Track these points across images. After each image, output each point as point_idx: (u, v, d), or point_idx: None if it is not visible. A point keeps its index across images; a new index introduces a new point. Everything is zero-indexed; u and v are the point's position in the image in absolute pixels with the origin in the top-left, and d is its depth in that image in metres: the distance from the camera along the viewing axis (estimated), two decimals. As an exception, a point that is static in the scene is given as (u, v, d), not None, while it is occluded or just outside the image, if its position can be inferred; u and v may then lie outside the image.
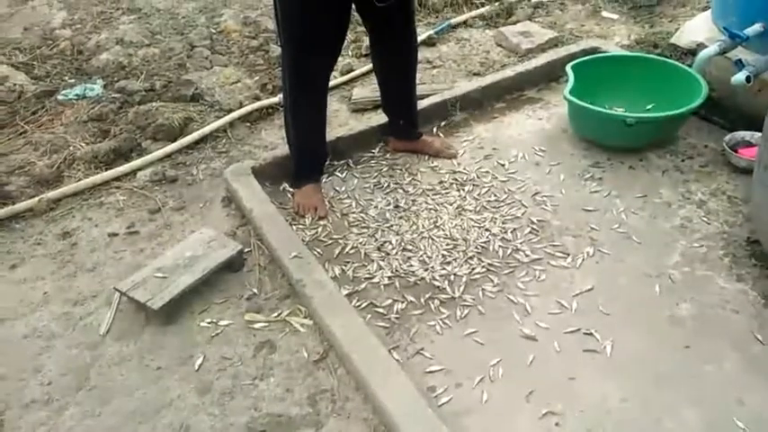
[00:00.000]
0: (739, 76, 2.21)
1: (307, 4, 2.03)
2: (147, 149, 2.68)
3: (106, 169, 2.57)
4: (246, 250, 2.16)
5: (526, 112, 2.86)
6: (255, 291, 2.02)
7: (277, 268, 2.08)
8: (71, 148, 2.68)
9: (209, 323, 1.92)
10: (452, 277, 2.01)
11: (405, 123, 2.57)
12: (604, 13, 3.70)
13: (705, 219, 2.17)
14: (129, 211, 2.40)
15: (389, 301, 1.95)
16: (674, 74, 2.59)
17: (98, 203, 2.44)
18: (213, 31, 3.60)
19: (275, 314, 1.94)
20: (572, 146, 2.59)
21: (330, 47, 2.17)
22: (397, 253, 2.12)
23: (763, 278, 1.91)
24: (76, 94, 3.03)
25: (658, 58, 2.75)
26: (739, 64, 2.29)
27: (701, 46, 2.69)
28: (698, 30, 2.89)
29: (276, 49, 3.32)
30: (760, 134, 2.27)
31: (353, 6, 2.16)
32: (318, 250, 2.16)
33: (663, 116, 2.40)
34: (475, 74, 3.19)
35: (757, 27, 2.33)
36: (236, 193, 2.35)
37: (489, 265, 2.04)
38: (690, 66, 2.57)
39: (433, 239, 2.16)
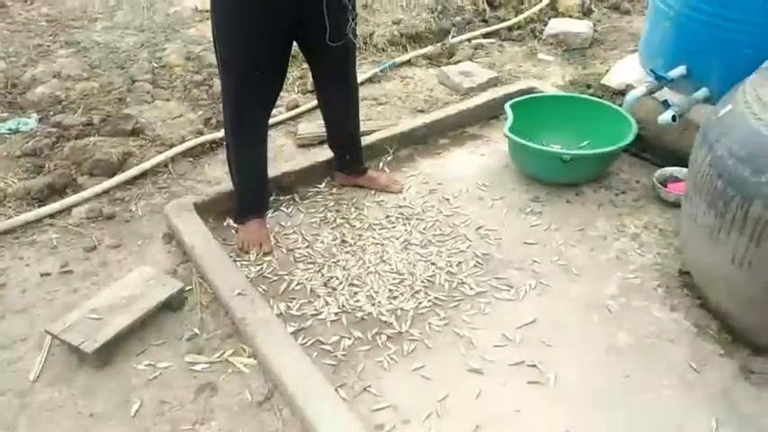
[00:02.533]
0: (665, 116, 2.34)
1: (245, 43, 2.03)
2: (84, 185, 2.60)
3: (39, 206, 2.46)
4: (188, 288, 2.10)
5: (469, 148, 2.93)
6: (197, 330, 1.96)
7: (220, 307, 2.03)
8: (2, 184, 2.56)
9: (146, 366, 1.85)
10: (399, 312, 2.01)
11: (350, 159, 2.59)
12: (540, 56, 3.87)
13: (639, 251, 2.25)
14: (62, 249, 2.30)
15: (336, 337, 1.93)
16: (606, 113, 2.72)
17: (30, 242, 2.33)
18: (155, 65, 3.55)
19: (217, 355, 1.88)
20: (513, 181, 2.67)
21: (270, 85, 2.18)
22: (343, 288, 2.11)
23: (695, 308, 1.99)
24: (9, 129, 2.91)
25: (591, 98, 2.88)
26: (665, 104, 2.42)
27: (630, 87, 2.83)
28: (626, 71, 3.06)
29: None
30: (687, 170, 2.41)
31: (296, 44, 2.18)
32: (263, 287, 2.12)
33: (597, 153, 2.51)
34: (419, 111, 3.25)
35: (681, 69, 2.48)
36: (178, 230, 2.29)
37: (435, 298, 2.06)
38: (620, 105, 2.70)
39: (379, 274, 2.16)
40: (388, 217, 2.46)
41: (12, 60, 3.57)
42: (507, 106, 2.73)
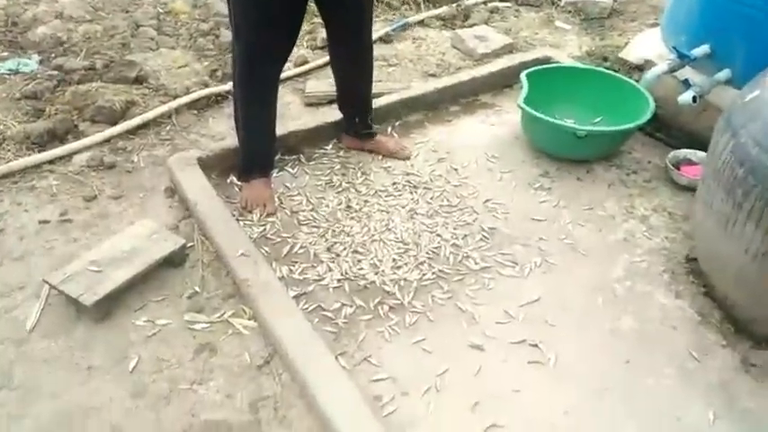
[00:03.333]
0: (686, 96, 2.28)
1: None
2: (85, 132, 2.53)
3: (39, 151, 2.41)
4: (189, 245, 2.07)
5: (480, 117, 2.87)
6: (197, 289, 1.94)
7: (221, 266, 2.01)
8: (1, 126, 2.50)
9: (145, 322, 1.83)
10: (402, 282, 1.99)
11: (360, 122, 2.52)
12: (557, 23, 3.76)
13: (647, 234, 2.22)
14: (62, 197, 2.26)
15: (338, 304, 1.91)
16: (624, 89, 2.65)
17: (29, 187, 2.29)
18: (160, 10, 3.44)
19: (217, 315, 1.87)
20: (523, 154, 2.62)
21: (283, 41, 2.11)
22: (347, 255, 2.08)
23: (700, 295, 1.97)
24: (9, 69, 2.83)
25: (609, 72, 2.80)
26: (686, 84, 2.36)
27: (649, 62, 2.77)
28: (646, 46, 2.98)
29: (228, 35, 3.20)
30: (702, 153, 2.36)
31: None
32: (266, 248, 2.09)
33: (612, 130, 2.45)
34: (431, 75, 3.17)
35: (705, 48, 2.41)
36: (180, 184, 2.25)
37: (440, 271, 2.03)
38: (638, 81, 2.64)
39: (384, 242, 2.13)
40: (395, 184, 2.41)
41: (13, -4, 3.45)
42: (523, 76, 2.65)
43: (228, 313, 1.87)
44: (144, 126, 2.60)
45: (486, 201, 2.34)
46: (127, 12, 3.40)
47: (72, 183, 2.32)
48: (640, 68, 2.96)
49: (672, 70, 2.41)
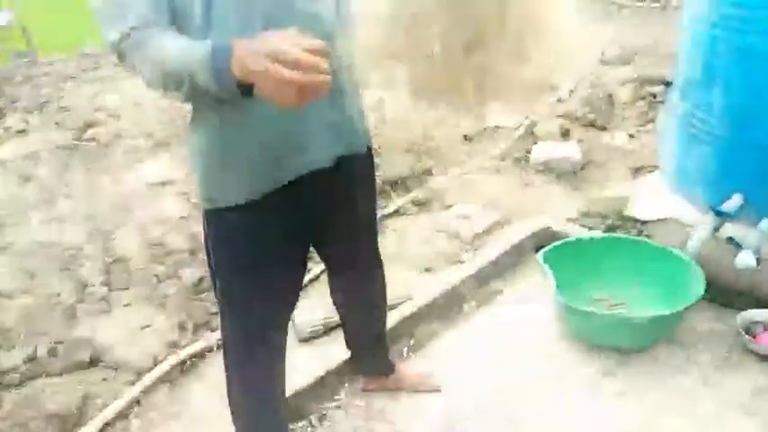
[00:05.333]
0: (747, 260, 1.97)
1: (250, 256, 1.51)
2: (33, 451, 1.96)
3: (-30, 501, 1.82)
4: None
5: (499, 309, 2.50)
6: None
7: None
8: None
9: None
10: None
11: (375, 359, 2.08)
12: (534, 185, 3.57)
13: (760, 429, 1.80)
14: None
15: None
16: (657, 255, 2.34)
17: None
18: (108, 260, 3.01)
19: None
20: (566, 347, 2.23)
21: (287, 297, 1.68)
22: None
23: None
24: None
25: (632, 238, 2.50)
26: (733, 242, 2.08)
27: (670, 220, 2.52)
28: (652, 200, 2.77)
29: (191, 275, 2.80)
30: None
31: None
32: None
33: (677, 311, 2.07)
34: (426, 269, 2.82)
35: (737, 199, 2.15)
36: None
37: None
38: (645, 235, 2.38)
39: None
40: (431, 428, 1.93)
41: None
42: (540, 260, 2.31)
43: None
44: (109, 424, 2.05)
45: (550, 422, 1.89)
46: (68, 270, 2.95)
47: None
48: (642, 222, 2.75)
49: (715, 230, 2.14)
